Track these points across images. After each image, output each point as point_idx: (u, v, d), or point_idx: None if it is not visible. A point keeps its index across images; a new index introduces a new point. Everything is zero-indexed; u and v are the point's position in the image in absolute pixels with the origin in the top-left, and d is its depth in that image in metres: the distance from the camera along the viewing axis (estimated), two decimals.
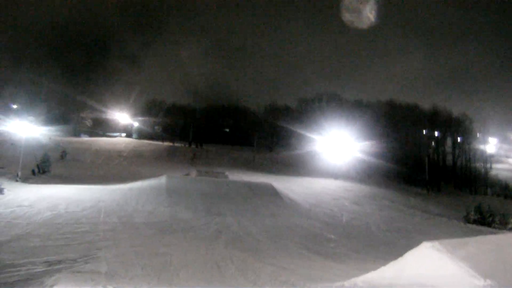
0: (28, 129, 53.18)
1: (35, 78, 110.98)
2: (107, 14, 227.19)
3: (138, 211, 32.78)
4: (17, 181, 43.10)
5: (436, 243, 13.52)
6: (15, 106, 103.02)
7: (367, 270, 15.81)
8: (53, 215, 28.68)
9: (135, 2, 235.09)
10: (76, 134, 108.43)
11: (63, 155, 67.26)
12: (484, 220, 46.77)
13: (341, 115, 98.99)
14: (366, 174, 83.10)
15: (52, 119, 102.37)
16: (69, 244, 21.37)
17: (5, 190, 35.72)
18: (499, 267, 12.20)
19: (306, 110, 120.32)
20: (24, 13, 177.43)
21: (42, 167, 51.31)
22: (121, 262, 18.15)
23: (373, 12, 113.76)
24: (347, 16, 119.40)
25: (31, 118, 63.71)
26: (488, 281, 11.14)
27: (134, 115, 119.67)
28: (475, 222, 46.14)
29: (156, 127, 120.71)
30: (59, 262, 17.49)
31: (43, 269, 16.14)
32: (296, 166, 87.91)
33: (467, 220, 46.70)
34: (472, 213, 47.71)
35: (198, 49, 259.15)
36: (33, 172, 49.53)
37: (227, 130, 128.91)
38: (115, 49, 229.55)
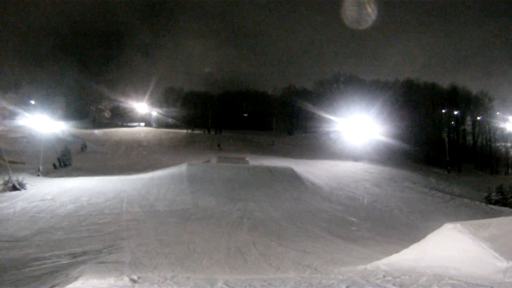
0: (47, 124, 53.39)
1: (53, 74, 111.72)
2: (119, 7, 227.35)
3: (160, 200, 32.98)
4: (38, 175, 43.33)
5: (458, 225, 13.46)
6: (33, 102, 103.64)
7: (389, 253, 15.82)
8: (76, 207, 28.94)
9: None
10: (96, 126, 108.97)
11: (83, 147, 67.58)
12: (506, 200, 46.36)
13: (359, 96, 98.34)
14: (386, 156, 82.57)
15: (70, 113, 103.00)
16: (92, 235, 21.55)
17: (27, 185, 36.06)
18: None
19: (324, 91, 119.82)
20: (39, 11, 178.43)
21: (63, 161, 51.63)
22: (144, 251, 18.26)
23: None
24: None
25: (47, 111, 63.86)
26: (511, 263, 11.10)
27: (152, 104, 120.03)
28: (496, 202, 45.67)
29: (174, 115, 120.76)
30: (83, 253, 17.62)
31: (68, 261, 16.26)
32: (316, 149, 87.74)
33: (488, 200, 46.25)
34: (494, 193, 47.26)
35: (212, 36, 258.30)
36: (54, 166, 49.86)
37: (246, 115, 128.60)
38: (129, 40, 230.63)
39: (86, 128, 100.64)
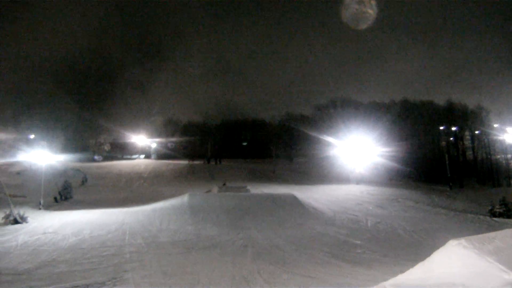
0: (46, 157, 53.48)
1: (51, 108, 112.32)
2: (112, 48, 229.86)
3: (162, 231, 32.85)
4: (40, 209, 43.35)
5: (462, 240, 13.41)
6: (32, 136, 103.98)
7: (395, 273, 15.72)
8: (78, 240, 28.82)
9: (138, 32, 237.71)
10: (94, 158, 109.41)
11: (83, 180, 67.69)
12: (510, 212, 46.34)
13: (357, 118, 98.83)
14: (387, 177, 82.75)
15: (70, 146, 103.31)
16: (95, 268, 21.41)
17: (28, 219, 36.07)
18: None
19: (322, 116, 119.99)
20: (36, 49, 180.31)
21: (64, 194, 51.67)
22: (148, 282, 18.17)
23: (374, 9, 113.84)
24: (348, 16, 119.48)
25: (46, 145, 64.08)
26: None
27: (151, 136, 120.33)
28: (500, 215, 45.66)
29: (173, 147, 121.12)
30: (87, 286, 17.55)
31: None
32: (317, 174, 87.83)
33: (492, 214, 46.23)
34: (497, 206, 47.25)
35: (207, 68, 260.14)
36: (55, 199, 49.87)
37: (245, 143, 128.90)
38: (124, 77, 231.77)
39: (86, 161, 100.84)
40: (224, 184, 56.04)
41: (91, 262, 22.67)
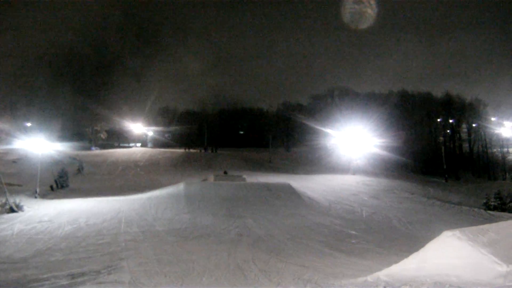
0: (43, 145, 53.34)
1: (48, 96, 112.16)
2: (109, 37, 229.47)
3: (158, 219, 32.92)
4: (36, 197, 43.32)
5: (456, 232, 13.48)
6: (29, 124, 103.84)
7: (390, 264, 15.79)
8: (74, 228, 28.88)
9: (135, 22, 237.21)
10: (90, 146, 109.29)
11: (80, 169, 67.57)
12: (505, 205, 46.50)
13: (355, 108, 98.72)
14: (384, 167, 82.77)
15: (66, 134, 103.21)
16: (91, 256, 21.46)
17: (24, 207, 36.08)
18: None
19: (319, 106, 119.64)
20: (33, 38, 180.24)
21: (60, 182, 51.64)
22: (144, 270, 18.19)
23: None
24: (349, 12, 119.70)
25: (43, 133, 63.94)
26: (511, 267, 11.10)
27: (148, 124, 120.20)
28: (495, 208, 45.80)
29: (170, 135, 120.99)
30: (82, 274, 17.56)
31: (67, 282, 16.20)
32: (313, 164, 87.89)
33: (487, 206, 46.38)
34: (492, 199, 47.40)
35: (204, 57, 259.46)
36: (51, 188, 49.85)
37: (242, 132, 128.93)
38: (122, 66, 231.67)
39: (82, 149, 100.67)
40: (225, 172, 55.74)
41: (87, 251, 22.74)
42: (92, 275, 17.40)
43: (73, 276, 17.15)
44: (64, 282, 16.25)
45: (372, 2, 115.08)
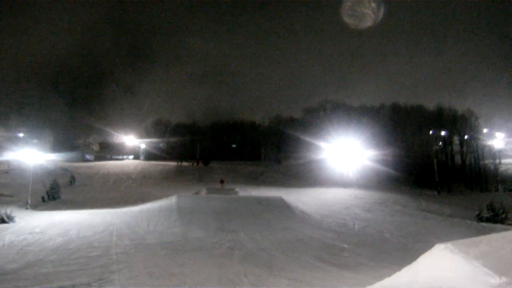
0: (35, 156, 53.25)
1: (41, 107, 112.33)
2: (104, 48, 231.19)
3: (150, 233, 32.85)
4: (27, 208, 43.26)
5: (449, 244, 13.49)
6: (21, 135, 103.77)
7: (382, 277, 15.76)
8: (65, 240, 28.78)
9: (128, 35, 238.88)
10: (82, 157, 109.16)
11: (72, 180, 67.52)
12: (497, 217, 46.50)
13: (347, 122, 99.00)
14: (376, 180, 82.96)
15: (58, 145, 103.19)
16: (82, 268, 21.38)
17: (15, 218, 36.02)
18: None
19: (311, 119, 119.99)
20: (27, 50, 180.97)
21: (51, 194, 51.54)
22: (135, 284, 18.17)
23: (374, 11, 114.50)
24: (348, 18, 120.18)
25: (36, 143, 63.81)
26: (504, 279, 11.09)
27: (141, 136, 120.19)
28: (488, 220, 45.82)
29: (163, 147, 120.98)
30: (73, 287, 17.56)
31: None
32: (305, 177, 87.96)
33: (480, 218, 46.41)
34: (485, 211, 47.37)
35: (196, 71, 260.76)
36: (43, 199, 49.75)
37: (234, 145, 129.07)
38: (114, 80, 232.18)
39: (74, 161, 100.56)
40: (221, 181, 54.87)
41: (78, 263, 22.63)
42: (83, 287, 17.36)
43: None
44: None
45: (373, 4, 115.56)
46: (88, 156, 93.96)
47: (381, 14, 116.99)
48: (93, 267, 21.84)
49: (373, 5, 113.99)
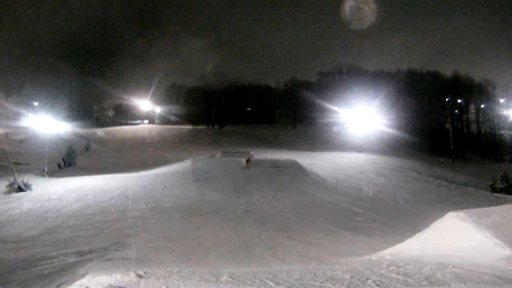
0: (50, 124, 53.28)
1: (55, 75, 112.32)
2: (114, 17, 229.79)
3: (165, 196, 33.07)
4: (44, 176, 43.32)
5: (461, 213, 13.57)
6: (36, 103, 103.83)
7: (394, 243, 15.90)
8: (82, 206, 29.00)
9: (138, 4, 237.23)
10: (99, 125, 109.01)
11: (87, 147, 67.60)
12: (511, 188, 46.32)
13: (362, 86, 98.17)
14: (391, 146, 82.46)
15: (73, 112, 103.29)
16: (99, 233, 21.65)
17: (32, 186, 36.07)
18: None
19: (326, 83, 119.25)
20: (39, 21, 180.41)
21: (67, 160, 51.65)
22: (151, 247, 18.37)
23: None
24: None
25: (50, 112, 63.78)
26: None
27: (155, 101, 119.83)
28: (501, 191, 45.49)
29: (177, 111, 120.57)
30: (90, 251, 17.75)
31: (75, 259, 16.38)
32: (320, 141, 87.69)
33: (493, 189, 46.12)
34: (499, 181, 47.13)
35: (209, 34, 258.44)
36: (59, 166, 49.82)
37: (249, 109, 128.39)
38: (128, 45, 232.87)
39: (89, 127, 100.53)
40: (247, 161, 51.27)
41: (95, 228, 22.92)
42: (100, 252, 17.59)
43: (81, 254, 17.35)
44: (72, 259, 16.44)
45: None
46: (99, 132, 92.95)
47: None
48: (110, 231, 22.11)
49: None
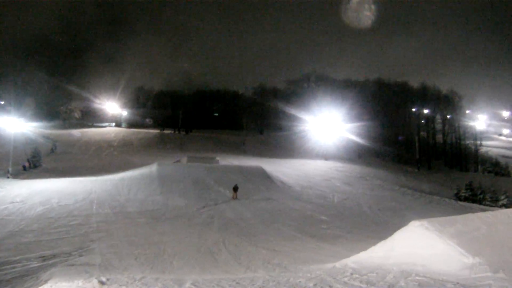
0: (16, 124, 52.79)
1: (22, 74, 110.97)
2: (84, 19, 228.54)
3: (130, 201, 32.98)
4: (8, 177, 42.85)
5: (424, 222, 13.72)
6: (2, 102, 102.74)
7: (358, 250, 16.03)
8: (46, 209, 28.79)
9: (108, 7, 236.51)
10: (66, 126, 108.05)
11: (53, 148, 66.94)
12: (475, 197, 46.95)
13: (330, 95, 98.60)
14: (357, 154, 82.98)
15: (40, 113, 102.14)
16: (63, 237, 21.51)
17: None
18: (488, 245, 12.42)
19: (295, 90, 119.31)
20: (7, 22, 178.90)
21: (32, 162, 51.17)
22: (114, 252, 18.32)
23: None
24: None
25: (16, 112, 63.08)
26: (477, 259, 11.35)
27: (123, 104, 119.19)
28: (466, 199, 46.23)
29: (144, 115, 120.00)
30: (54, 256, 17.63)
31: (38, 264, 16.28)
32: (286, 148, 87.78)
33: (458, 197, 46.86)
34: (463, 190, 47.84)
35: (178, 39, 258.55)
36: (24, 168, 49.34)
37: (216, 114, 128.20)
38: (96, 47, 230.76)
39: (56, 128, 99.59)
40: (234, 189, 47.29)
41: (59, 232, 22.76)
42: (63, 257, 17.50)
43: (44, 258, 17.24)
44: (36, 264, 16.34)
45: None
46: (75, 133, 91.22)
47: None
48: (74, 236, 22.02)
49: None
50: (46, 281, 12.50)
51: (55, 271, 14.22)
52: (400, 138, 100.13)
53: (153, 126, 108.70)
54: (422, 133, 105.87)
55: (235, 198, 36.35)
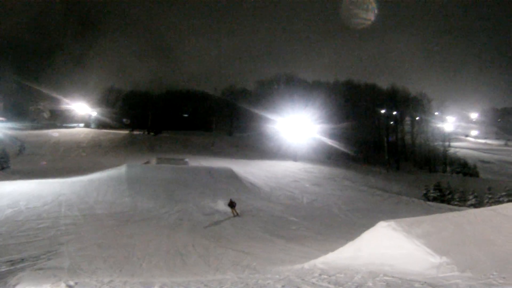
0: None
1: None
2: (54, 19, 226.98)
3: (99, 203, 32.78)
4: None
5: (392, 222, 13.91)
6: None
7: (327, 251, 16.17)
8: (14, 212, 28.47)
9: (78, 7, 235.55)
10: (35, 127, 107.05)
11: (21, 149, 66.36)
12: (444, 197, 47.54)
13: (300, 96, 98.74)
14: (326, 155, 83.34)
15: (7, 113, 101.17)
16: (31, 241, 21.34)
17: None
18: (456, 244, 12.63)
19: (264, 92, 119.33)
20: None
21: (0, 163, 50.69)
22: (83, 255, 18.27)
23: None
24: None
25: None
26: (444, 258, 11.55)
27: (92, 104, 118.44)
28: (434, 199, 46.86)
29: (113, 115, 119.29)
30: (22, 260, 17.50)
31: (6, 268, 16.14)
32: (256, 149, 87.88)
33: (427, 198, 47.44)
34: (432, 191, 48.42)
35: (147, 40, 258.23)
36: None
37: (186, 115, 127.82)
38: (66, 47, 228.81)
39: (24, 129, 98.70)
40: (230, 205, 43.50)
41: (27, 235, 22.55)
42: (32, 260, 17.39)
43: (12, 263, 17.09)
44: (3, 268, 16.20)
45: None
46: (52, 133, 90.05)
47: None
48: (42, 239, 21.83)
49: None
50: (14, 286, 12.48)
51: (24, 276, 14.16)
52: (369, 139, 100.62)
53: (123, 127, 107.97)
54: (391, 134, 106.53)
55: (235, 215, 32.19)
